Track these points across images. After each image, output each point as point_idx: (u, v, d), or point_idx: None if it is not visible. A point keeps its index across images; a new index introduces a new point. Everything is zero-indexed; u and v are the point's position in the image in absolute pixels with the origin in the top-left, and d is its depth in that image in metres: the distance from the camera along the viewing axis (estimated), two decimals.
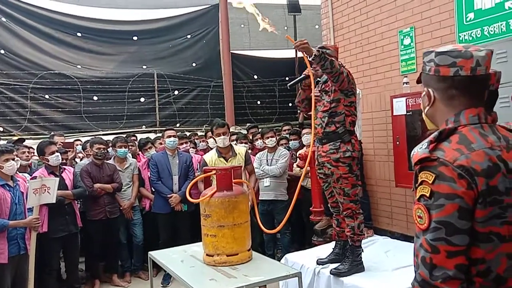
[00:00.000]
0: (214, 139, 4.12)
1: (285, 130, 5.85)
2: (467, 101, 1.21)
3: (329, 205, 3.32)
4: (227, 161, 4.07)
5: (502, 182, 1.12)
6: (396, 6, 4.63)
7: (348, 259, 3.08)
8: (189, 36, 9.33)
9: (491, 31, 3.80)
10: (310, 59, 2.79)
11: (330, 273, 3.05)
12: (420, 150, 1.17)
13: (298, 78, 3.15)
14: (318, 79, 3.28)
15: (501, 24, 3.72)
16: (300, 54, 10.11)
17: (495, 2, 3.78)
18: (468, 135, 1.16)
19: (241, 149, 4.34)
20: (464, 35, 4.00)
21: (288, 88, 3.23)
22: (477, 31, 3.91)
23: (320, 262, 3.29)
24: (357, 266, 3.07)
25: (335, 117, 3.01)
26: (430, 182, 1.12)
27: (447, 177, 1.10)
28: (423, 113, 1.34)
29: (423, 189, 1.13)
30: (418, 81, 1.33)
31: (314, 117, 2.93)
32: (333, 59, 2.89)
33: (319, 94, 3.14)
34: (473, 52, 1.18)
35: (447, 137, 1.18)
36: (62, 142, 5.37)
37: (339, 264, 3.10)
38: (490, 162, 1.12)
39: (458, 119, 1.21)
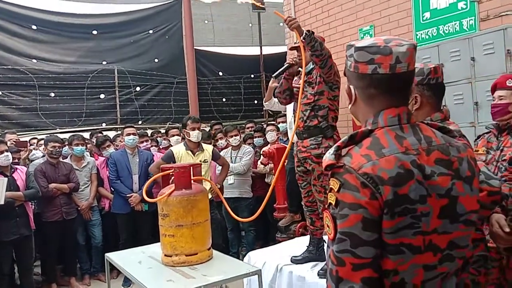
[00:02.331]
0: (188, 133, 4.08)
1: (248, 128, 5.82)
2: (387, 100, 1.11)
3: (303, 203, 3.19)
4: (194, 155, 4.07)
5: (414, 190, 1.02)
6: (356, 5, 4.71)
7: None
8: (151, 31, 9.10)
9: (446, 30, 3.93)
10: (301, 38, 2.63)
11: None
12: (328, 156, 1.08)
13: (284, 67, 2.97)
14: (300, 69, 3.06)
15: (455, 24, 3.86)
16: (265, 52, 10.09)
17: (449, 2, 3.91)
18: (382, 138, 1.07)
19: (208, 146, 4.36)
20: (421, 34, 4.12)
21: (274, 78, 3.05)
22: (433, 29, 4.03)
23: (294, 261, 3.21)
24: None
25: (318, 111, 2.85)
26: (336, 190, 1.05)
27: (351, 186, 1.02)
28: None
29: (330, 197, 1.07)
30: (345, 73, 1.22)
31: (299, 110, 2.72)
32: (322, 41, 2.75)
33: (299, 86, 2.94)
34: (393, 48, 1.07)
35: (361, 140, 1.10)
36: (15, 141, 5.10)
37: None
38: (401, 168, 1.02)
39: (376, 121, 1.11)
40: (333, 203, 1.05)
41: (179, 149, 4.11)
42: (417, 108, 1.72)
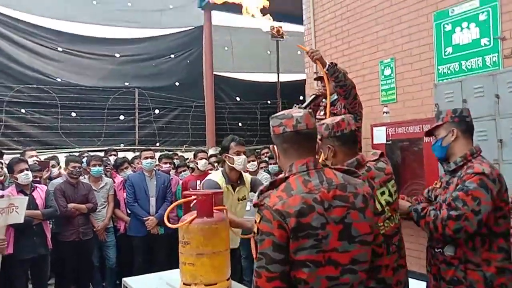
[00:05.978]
0: (231, 158, 3.06)
1: (263, 154, 5.82)
2: (297, 152, 1.49)
3: None
4: (234, 191, 3.15)
5: (316, 219, 1.37)
6: (377, 37, 4.75)
7: None
8: (172, 56, 9.32)
9: (468, 65, 3.94)
10: (325, 70, 2.74)
11: None
12: (255, 197, 1.49)
13: (310, 99, 3.06)
14: (324, 99, 3.13)
15: (477, 60, 3.86)
16: (282, 79, 10.16)
17: (471, 38, 3.93)
18: (292, 183, 1.43)
19: (247, 175, 3.41)
20: (443, 68, 4.13)
21: (303, 108, 3.10)
22: (455, 65, 4.04)
23: None
24: None
25: None
26: (258, 221, 1.41)
27: (267, 218, 1.38)
28: None
29: (256, 227, 1.42)
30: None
31: None
32: (345, 73, 2.82)
33: (324, 118, 2.92)
34: (294, 114, 1.50)
35: (279, 184, 1.46)
36: (37, 161, 5.17)
37: None
38: (305, 204, 1.37)
39: (291, 169, 1.48)
40: (256, 231, 1.41)
41: (220, 181, 3.10)
42: (333, 156, 1.97)
